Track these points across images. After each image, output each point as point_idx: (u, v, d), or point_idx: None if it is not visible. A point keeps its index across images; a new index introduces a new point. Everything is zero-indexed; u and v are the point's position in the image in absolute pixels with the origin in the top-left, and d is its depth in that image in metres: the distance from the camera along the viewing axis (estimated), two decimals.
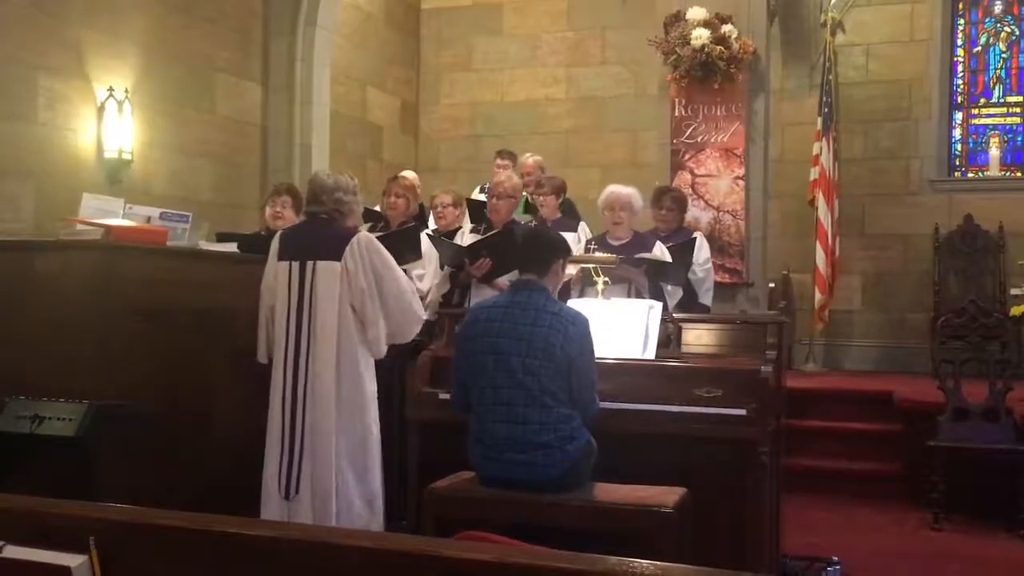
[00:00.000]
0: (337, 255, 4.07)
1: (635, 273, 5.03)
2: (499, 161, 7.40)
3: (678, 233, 5.60)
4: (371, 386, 4.20)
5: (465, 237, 5.63)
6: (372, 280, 4.09)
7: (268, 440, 4.14)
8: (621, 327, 4.14)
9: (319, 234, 4.18)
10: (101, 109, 6.78)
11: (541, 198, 6.00)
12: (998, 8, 9.56)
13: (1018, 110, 9.48)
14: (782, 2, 8.10)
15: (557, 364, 3.53)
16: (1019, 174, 9.40)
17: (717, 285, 6.18)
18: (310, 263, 4.11)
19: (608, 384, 3.90)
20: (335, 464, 4.04)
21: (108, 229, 4.36)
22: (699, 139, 7.09)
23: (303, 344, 4.08)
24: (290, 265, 4.15)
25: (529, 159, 7.14)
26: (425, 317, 4.43)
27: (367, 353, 4.17)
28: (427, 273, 5.33)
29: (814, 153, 8.79)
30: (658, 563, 1.61)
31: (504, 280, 5.01)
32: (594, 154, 10.15)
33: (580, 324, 3.63)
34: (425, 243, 5.35)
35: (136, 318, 4.30)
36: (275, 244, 4.28)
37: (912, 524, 5.71)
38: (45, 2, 6.45)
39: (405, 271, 5.22)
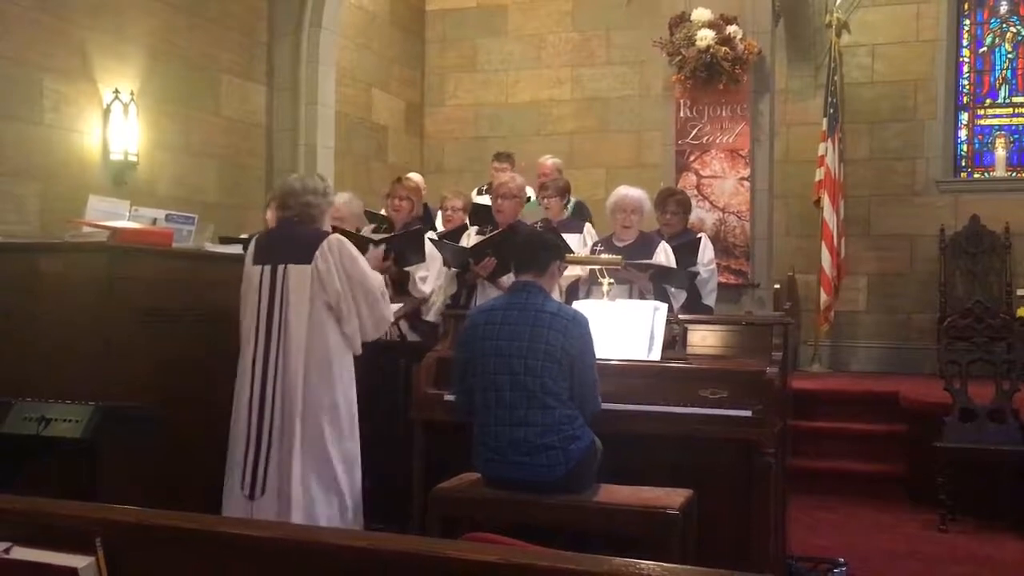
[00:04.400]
0: (308, 258, 4.07)
1: (639, 276, 5.03)
2: (496, 164, 7.39)
3: (682, 235, 5.60)
4: (345, 389, 4.15)
5: (471, 238, 5.64)
6: (345, 280, 4.09)
7: (232, 438, 4.13)
8: (626, 328, 4.14)
9: (290, 238, 4.18)
10: (107, 111, 6.80)
11: (546, 200, 6.01)
12: (1004, 8, 9.55)
13: None
14: (787, 3, 8.08)
15: (559, 363, 3.53)
16: None
17: (722, 286, 6.18)
18: (281, 267, 4.11)
19: (613, 385, 3.90)
20: (301, 467, 4.01)
21: (114, 231, 4.37)
22: (704, 140, 7.08)
23: (273, 346, 4.07)
24: (262, 269, 4.15)
25: (548, 161, 7.14)
26: (392, 319, 4.44)
27: (343, 356, 4.16)
28: (430, 275, 5.33)
29: (819, 154, 8.79)
30: (663, 564, 1.61)
31: (508, 279, 5.02)
32: (599, 155, 10.15)
33: (580, 323, 3.63)
34: (429, 245, 5.35)
35: (142, 319, 4.31)
36: (251, 248, 4.29)
37: (918, 525, 5.70)
38: (50, 4, 6.46)
39: (407, 272, 5.24)
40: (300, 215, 4.19)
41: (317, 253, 4.07)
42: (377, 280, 4.28)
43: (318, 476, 4.04)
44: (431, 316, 5.30)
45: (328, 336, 4.09)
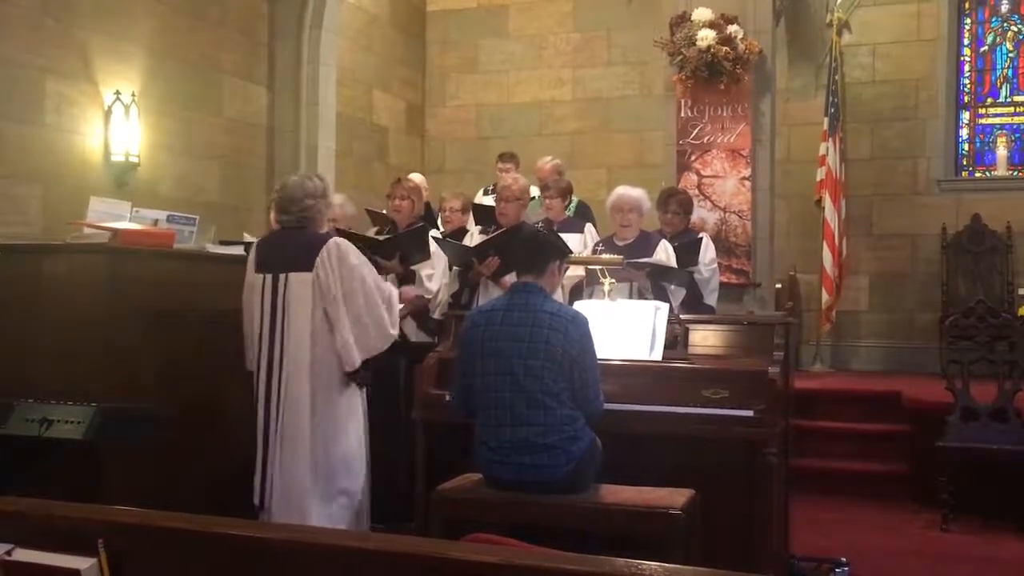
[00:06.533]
0: (308, 266, 4.04)
1: (638, 275, 5.03)
2: (501, 165, 7.38)
3: (684, 234, 5.60)
4: (349, 397, 4.13)
5: (474, 238, 5.64)
6: (339, 286, 4.04)
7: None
8: (628, 328, 4.14)
9: (291, 244, 4.14)
10: (108, 112, 6.80)
11: (547, 200, 6.01)
12: (1005, 7, 9.53)
13: None
14: (788, 2, 8.08)
15: (559, 364, 3.52)
16: None
17: (724, 286, 6.17)
18: (283, 275, 4.08)
19: (615, 385, 3.90)
20: (305, 476, 4.00)
21: (115, 232, 4.37)
22: (705, 140, 7.07)
23: (276, 354, 4.06)
24: (264, 278, 4.13)
25: (548, 163, 7.12)
26: (395, 334, 4.26)
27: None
28: (436, 273, 5.32)
29: (821, 153, 8.78)
30: (666, 565, 1.61)
31: (511, 279, 5.01)
32: (600, 155, 10.14)
33: (580, 323, 3.62)
34: (433, 243, 5.35)
35: (143, 320, 4.31)
36: (252, 254, 4.26)
37: (920, 525, 5.70)
38: (52, 6, 6.47)
39: (413, 271, 5.24)
40: (299, 220, 4.16)
41: (318, 260, 4.04)
42: (379, 291, 4.17)
43: (319, 488, 4.02)
44: (438, 314, 5.31)
45: (331, 344, 4.06)
